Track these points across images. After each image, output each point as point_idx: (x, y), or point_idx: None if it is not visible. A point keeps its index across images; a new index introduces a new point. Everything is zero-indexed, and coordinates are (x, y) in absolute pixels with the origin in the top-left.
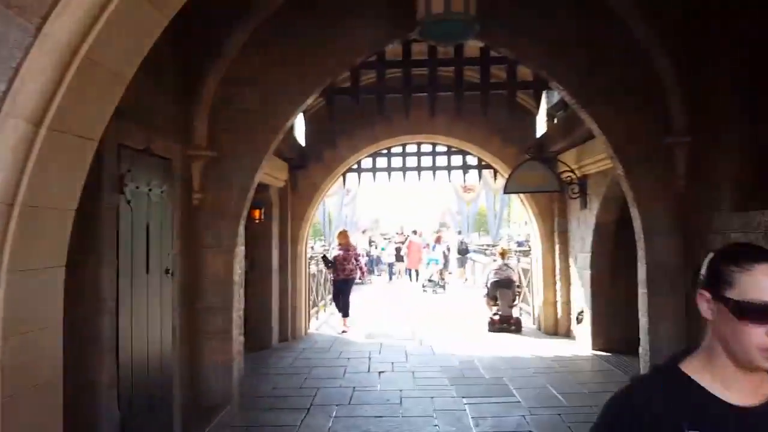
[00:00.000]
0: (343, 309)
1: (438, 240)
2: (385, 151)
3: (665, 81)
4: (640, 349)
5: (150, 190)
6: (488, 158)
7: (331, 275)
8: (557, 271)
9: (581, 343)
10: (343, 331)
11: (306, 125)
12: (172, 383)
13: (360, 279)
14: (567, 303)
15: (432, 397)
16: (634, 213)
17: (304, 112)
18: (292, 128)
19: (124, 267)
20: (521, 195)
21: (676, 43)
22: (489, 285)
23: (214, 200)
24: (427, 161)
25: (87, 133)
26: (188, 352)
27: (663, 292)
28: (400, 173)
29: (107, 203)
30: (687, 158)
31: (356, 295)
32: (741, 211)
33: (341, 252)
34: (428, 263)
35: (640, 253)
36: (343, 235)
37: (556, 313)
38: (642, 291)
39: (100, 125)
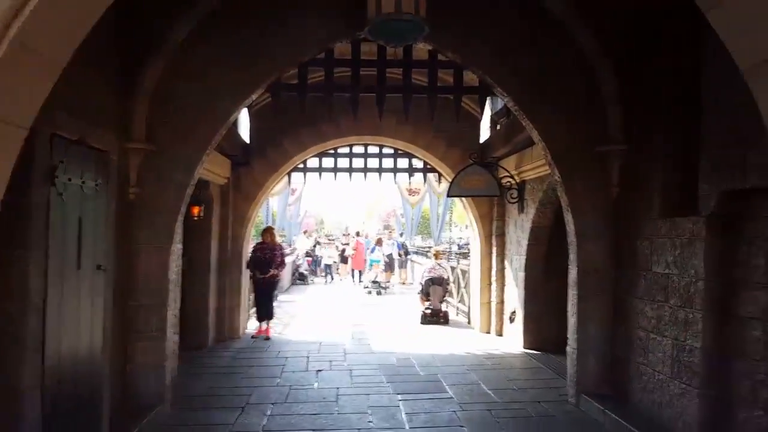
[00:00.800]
0: (266, 313)
1: (379, 242)
2: (332, 151)
3: (605, 91)
4: (568, 348)
5: (83, 182)
6: (433, 162)
7: (252, 275)
8: (494, 273)
9: (513, 342)
10: (266, 338)
11: (251, 122)
12: (101, 383)
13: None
14: (501, 303)
15: (368, 395)
16: (568, 218)
17: (249, 108)
18: (235, 124)
19: (53, 263)
20: (464, 199)
21: (617, 55)
22: (423, 283)
23: (152, 195)
24: (373, 163)
25: (16, 120)
26: (120, 351)
27: (592, 294)
28: (347, 174)
29: (37, 195)
30: (621, 167)
31: (298, 296)
32: (668, 218)
33: (267, 251)
34: (370, 264)
35: (572, 257)
36: (269, 232)
37: (490, 313)
38: (572, 292)
39: (32, 113)
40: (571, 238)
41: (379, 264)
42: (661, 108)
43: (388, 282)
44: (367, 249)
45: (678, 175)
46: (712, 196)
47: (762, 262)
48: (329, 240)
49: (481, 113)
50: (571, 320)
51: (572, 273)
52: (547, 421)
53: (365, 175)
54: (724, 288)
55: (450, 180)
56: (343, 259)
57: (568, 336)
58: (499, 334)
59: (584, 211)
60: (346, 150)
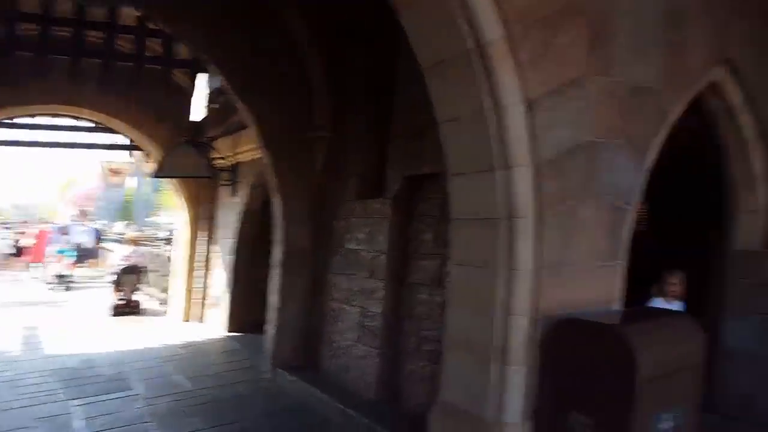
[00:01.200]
0: None
1: (64, 231)
2: (8, 121)
3: (313, 81)
4: (268, 326)
5: None
6: (140, 139)
7: None
8: (200, 258)
9: (216, 327)
10: None
11: None
12: None
13: None
14: (206, 288)
15: (35, 405)
16: (276, 201)
17: None
18: None
19: None
20: (174, 180)
21: (327, 48)
22: (118, 272)
23: None
24: (67, 137)
25: None
26: None
27: (295, 273)
28: (29, 149)
29: None
30: (325, 153)
31: None
32: (362, 200)
33: None
34: (57, 255)
35: (278, 238)
36: None
37: (194, 300)
38: (276, 272)
39: None
40: (278, 219)
41: (65, 254)
42: (362, 100)
43: (72, 275)
44: (54, 239)
45: (373, 161)
46: (396, 180)
47: (429, 236)
48: (5, 228)
49: (194, 89)
50: (273, 298)
51: (277, 253)
52: (239, 401)
53: (55, 150)
54: (401, 259)
55: (159, 160)
56: (18, 251)
57: (268, 315)
58: (201, 321)
59: (291, 194)
60: (30, 120)
